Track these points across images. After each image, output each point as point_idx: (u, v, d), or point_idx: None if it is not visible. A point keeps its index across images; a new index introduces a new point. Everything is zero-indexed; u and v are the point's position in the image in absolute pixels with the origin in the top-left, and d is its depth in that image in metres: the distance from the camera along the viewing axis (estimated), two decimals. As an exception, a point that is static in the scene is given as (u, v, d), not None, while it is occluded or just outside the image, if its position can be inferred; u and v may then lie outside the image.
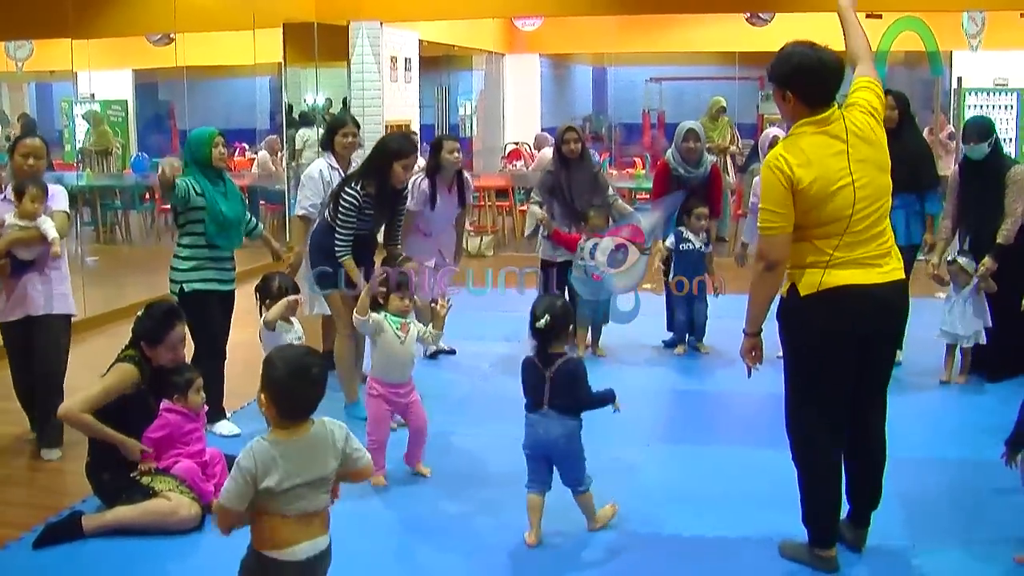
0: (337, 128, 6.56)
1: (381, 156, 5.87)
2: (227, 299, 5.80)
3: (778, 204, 3.67)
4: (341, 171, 6.44)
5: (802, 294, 3.76)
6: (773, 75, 3.77)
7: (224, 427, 5.71)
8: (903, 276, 3.85)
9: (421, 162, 7.57)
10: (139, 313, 4.75)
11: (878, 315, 3.82)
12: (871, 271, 3.73)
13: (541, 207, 7.27)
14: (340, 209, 5.77)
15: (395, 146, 5.90)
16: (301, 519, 2.95)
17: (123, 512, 4.41)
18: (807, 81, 3.69)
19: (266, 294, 5.62)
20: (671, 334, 7.59)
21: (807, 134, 3.70)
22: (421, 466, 5.12)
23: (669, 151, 7.50)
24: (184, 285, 5.58)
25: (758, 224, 3.79)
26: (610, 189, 7.47)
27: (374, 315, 4.99)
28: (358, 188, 5.77)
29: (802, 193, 3.64)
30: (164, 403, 4.66)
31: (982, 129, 6.54)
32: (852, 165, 3.67)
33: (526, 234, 7.56)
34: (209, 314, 5.61)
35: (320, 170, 6.48)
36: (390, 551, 4.31)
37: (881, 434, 4.04)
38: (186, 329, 4.81)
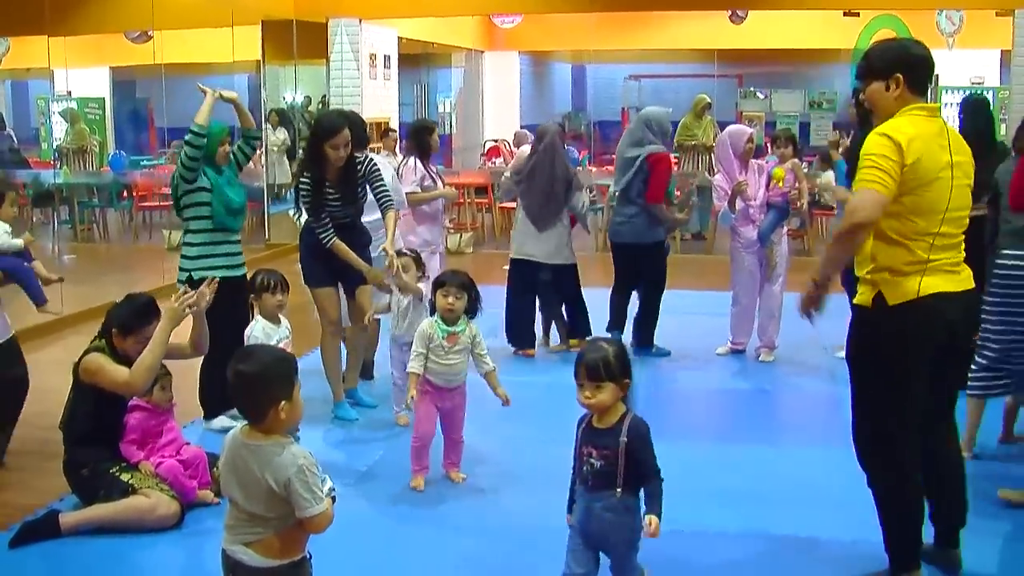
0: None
1: (311, 139, 5.89)
2: (237, 286, 5.60)
3: (882, 161, 3.48)
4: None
5: (891, 303, 3.59)
6: (875, 66, 3.69)
7: (219, 423, 5.61)
8: (973, 285, 3.78)
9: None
10: (117, 301, 4.67)
11: (962, 323, 3.78)
12: (954, 278, 3.67)
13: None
14: (301, 199, 5.82)
15: (321, 127, 5.81)
16: (232, 515, 2.96)
17: (101, 510, 4.39)
18: (917, 64, 3.66)
19: (250, 289, 5.37)
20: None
21: (920, 116, 3.62)
22: (455, 472, 4.97)
23: None
24: (192, 273, 5.50)
25: (857, 178, 3.54)
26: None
27: (423, 325, 4.80)
28: (304, 175, 5.81)
29: (909, 169, 3.50)
30: (131, 401, 4.63)
31: (974, 106, 6.48)
32: (953, 159, 3.62)
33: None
34: (216, 303, 5.50)
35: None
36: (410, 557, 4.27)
37: (958, 445, 3.97)
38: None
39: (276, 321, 5.23)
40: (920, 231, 3.56)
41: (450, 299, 4.70)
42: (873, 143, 3.54)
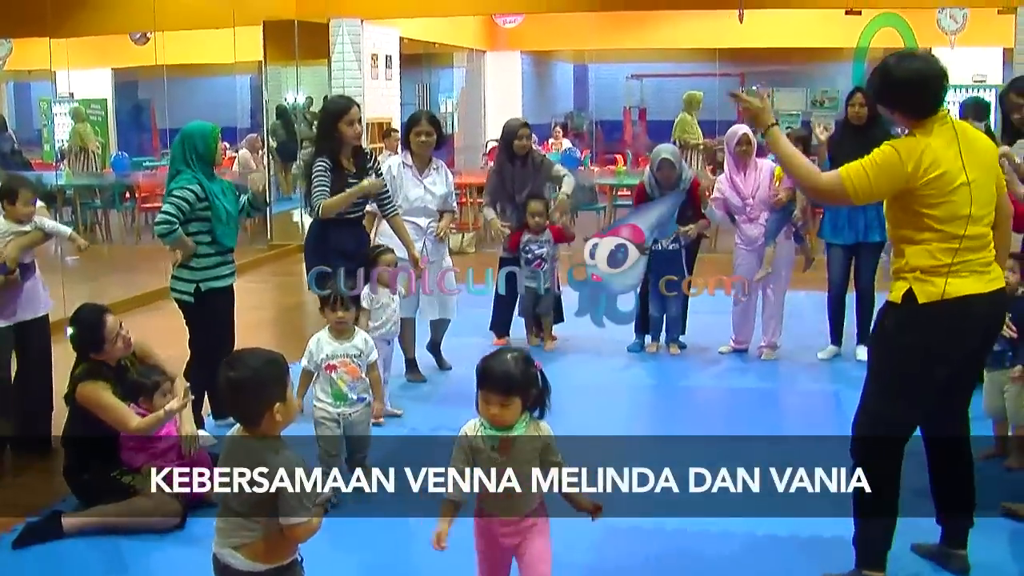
0: (412, 126, 6.54)
1: (324, 123, 5.93)
2: (231, 293, 5.67)
3: (875, 170, 3.53)
4: (416, 168, 6.50)
5: (921, 301, 3.60)
6: (875, 94, 3.79)
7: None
8: (1004, 284, 3.78)
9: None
10: (68, 330, 4.68)
11: (989, 324, 3.79)
12: (983, 278, 3.65)
13: (496, 209, 7.31)
14: (312, 178, 5.78)
15: (331, 108, 5.97)
16: (223, 518, 2.97)
17: (104, 511, 4.40)
18: (911, 94, 3.66)
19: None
20: (635, 338, 7.47)
21: (935, 123, 3.62)
22: None
23: (645, 175, 7.29)
24: (201, 284, 5.41)
25: (853, 164, 3.56)
26: (554, 168, 7.46)
27: (465, 428, 3.18)
28: (319, 160, 5.80)
29: (923, 185, 3.51)
30: (132, 407, 4.61)
31: (978, 108, 6.47)
32: (964, 159, 3.59)
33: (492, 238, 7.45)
34: (221, 312, 5.52)
35: (389, 166, 6.47)
36: None
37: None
38: (113, 319, 4.65)
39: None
40: (946, 237, 3.56)
41: (493, 409, 3.12)
42: (883, 154, 3.56)
